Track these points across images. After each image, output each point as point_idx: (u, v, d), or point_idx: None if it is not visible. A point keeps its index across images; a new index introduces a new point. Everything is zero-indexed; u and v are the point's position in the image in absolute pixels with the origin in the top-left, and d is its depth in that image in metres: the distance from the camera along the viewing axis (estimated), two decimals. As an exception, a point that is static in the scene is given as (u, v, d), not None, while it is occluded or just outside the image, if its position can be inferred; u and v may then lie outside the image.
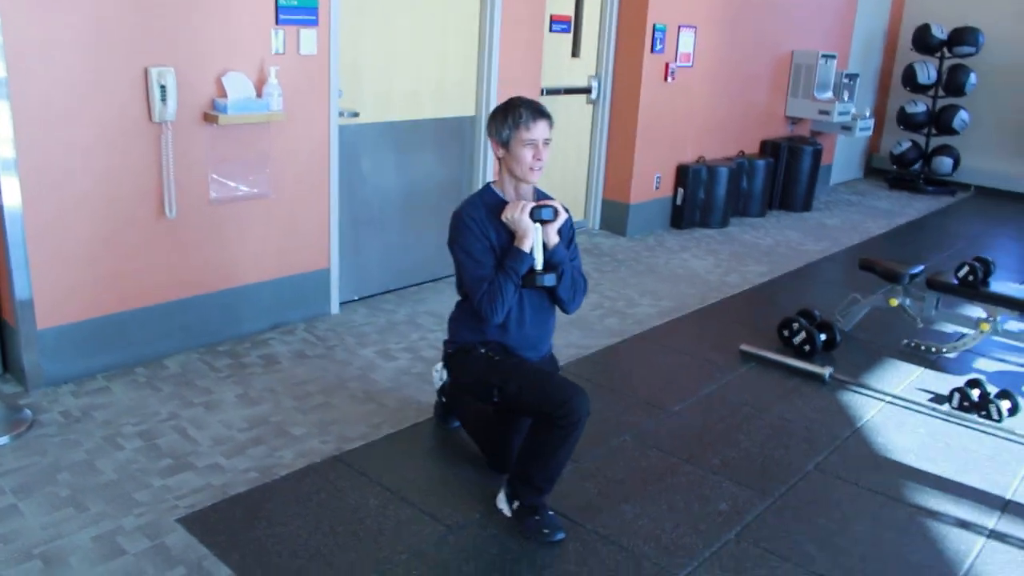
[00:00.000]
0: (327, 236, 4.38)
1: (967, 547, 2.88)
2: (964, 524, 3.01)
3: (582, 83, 6.26)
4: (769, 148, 7.86)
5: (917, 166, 9.21)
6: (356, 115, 4.41)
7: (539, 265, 2.78)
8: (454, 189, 5.10)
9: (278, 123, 3.95)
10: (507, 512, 2.82)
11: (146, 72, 3.47)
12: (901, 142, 9.22)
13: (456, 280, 2.94)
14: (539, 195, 2.88)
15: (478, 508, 2.87)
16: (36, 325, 3.42)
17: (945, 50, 8.78)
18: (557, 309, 2.98)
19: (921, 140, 9.20)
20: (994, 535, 2.96)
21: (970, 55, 8.73)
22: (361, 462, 3.10)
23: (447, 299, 4.82)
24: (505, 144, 2.73)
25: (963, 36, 8.64)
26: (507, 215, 2.74)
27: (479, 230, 2.76)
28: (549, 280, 2.80)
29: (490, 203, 2.82)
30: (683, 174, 6.86)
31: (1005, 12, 8.86)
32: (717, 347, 4.45)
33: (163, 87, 3.48)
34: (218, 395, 3.56)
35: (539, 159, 2.72)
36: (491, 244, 2.78)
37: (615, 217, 6.62)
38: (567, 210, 2.85)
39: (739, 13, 7.02)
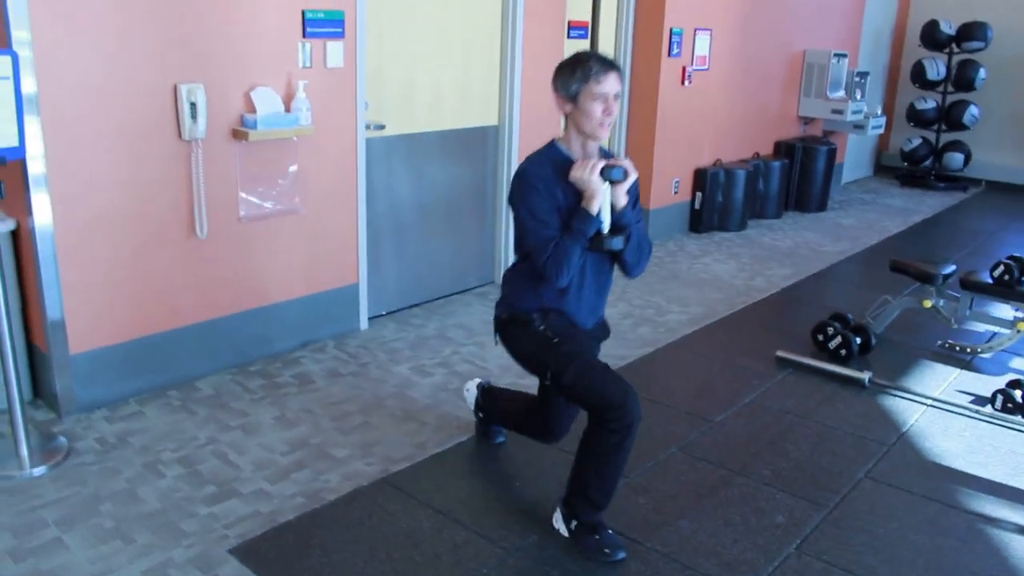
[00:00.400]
0: (355, 251, 4.32)
1: (1030, 555, 2.83)
2: (1022, 530, 2.96)
3: (598, 88, 6.20)
4: (783, 149, 7.82)
5: (928, 162, 9.18)
6: (382, 127, 4.35)
7: (606, 228, 2.62)
8: (478, 200, 5.05)
9: (306, 137, 3.89)
10: (564, 532, 2.76)
11: (175, 89, 3.42)
12: (911, 139, 9.19)
13: (515, 239, 2.75)
14: (604, 153, 2.72)
15: (534, 529, 2.81)
16: (69, 350, 3.36)
17: (954, 46, 8.76)
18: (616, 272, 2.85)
19: (931, 136, 9.16)
20: (1056, 541, 2.91)
21: (979, 50, 8.70)
22: (409, 484, 3.04)
23: (476, 311, 4.78)
24: (573, 99, 2.56)
25: (971, 31, 8.61)
26: (576, 174, 2.55)
27: (545, 189, 2.58)
28: (617, 244, 2.64)
29: (557, 160, 2.63)
30: (701, 178, 6.81)
31: (1012, 5, 8.83)
32: (751, 353, 4.39)
33: (193, 104, 3.42)
34: (254, 417, 3.50)
35: (609, 114, 2.55)
36: (557, 204, 2.60)
37: (633, 222, 6.55)
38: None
39: (752, 14, 6.99)
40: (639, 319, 4.84)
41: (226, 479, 3.04)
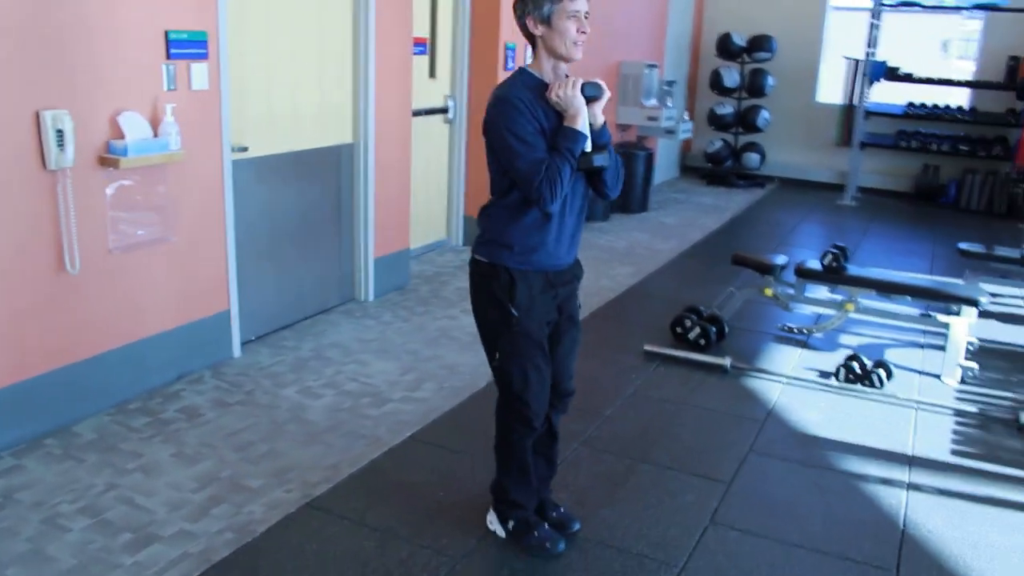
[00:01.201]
0: (225, 277, 4.18)
1: (897, 500, 3.25)
2: (887, 481, 3.40)
3: (439, 103, 6.32)
4: (606, 155, 8.27)
5: (729, 163, 10.02)
6: (245, 150, 4.24)
7: (588, 146, 2.59)
8: (338, 217, 5.01)
9: (175, 163, 3.73)
10: (502, 533, 2.86)
11: (37, 116, 3.18)
12: (713, 141, 10.00)
13: (492, 175, 2.67)
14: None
15: (473, 533, 2.88)
16: (-71, 407, 3.05)
17: (745, 56, 9.63)
18: None
19: (731, 139, 10.02)
20: (912, 487, 3.36)
21: (767, 60, 9.63)
22: (337, 506, 3.02)
23: (346, 330, 4.76)
24: (546, 20, 2.50)
25: (760, 43, 9.52)
26: (557, 93, 2.50)
27: (528, 111, 2.51)
28: (602, 160, 2.60)
29: (531, 85, 2.57)
30: (537, 185, 7.08)
31: (792, 19, 9.84)
32: (622, 349, 4.67)
33: (60, 131, 3.20)
34: (150, 457, 3.32)
35: (583, 32, 2.51)
36: (541, 126, 2.53)
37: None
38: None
39: (574, 29, 7.36)
40: (510, 325, 5.00)
41: (140, 524, 2.88)
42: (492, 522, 2.90)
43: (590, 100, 2.57)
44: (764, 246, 7.12)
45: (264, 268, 4.52)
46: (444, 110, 6.38)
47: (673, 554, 2.84)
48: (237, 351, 4.33)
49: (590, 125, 2.58)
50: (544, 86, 2.57)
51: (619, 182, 2.74)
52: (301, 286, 4.84)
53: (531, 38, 2.59)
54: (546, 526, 2.84)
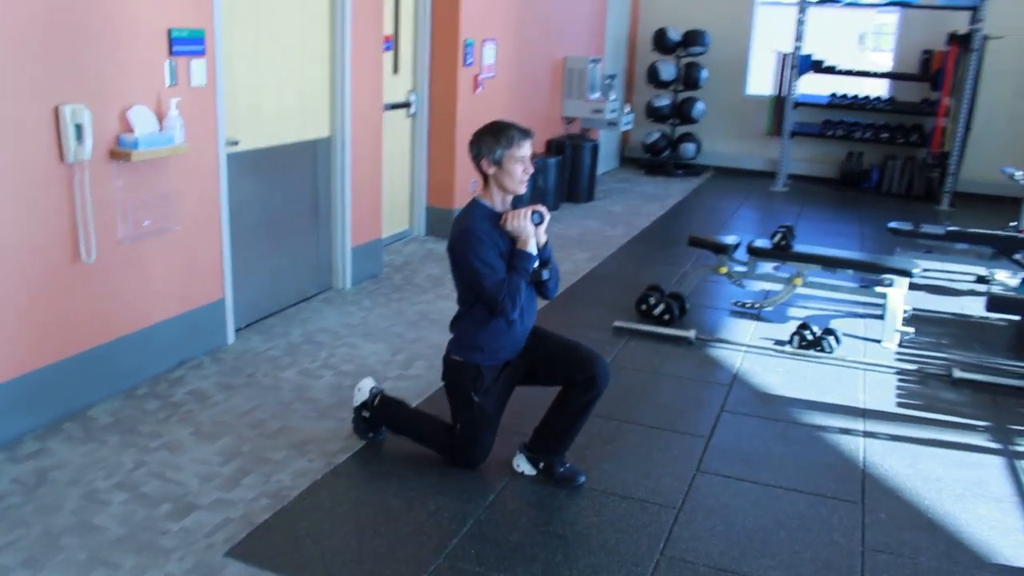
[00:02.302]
0: (220, 266, 4.36)
1: (855, 446, 3.66)
2: (846, 431, 3.81)
3: (402, 98, 6.55)
4: (555, 147, 8.60)
5: (666, 153, 10.47)
6: (236, 143, 4.41)
7: (536, 263, 3.13)
8: (316, 209, 5.21)
9: (178, 156, 3.90)
10: (531, 472, 3.25)
11: (56, 111, 3.33)
12: (651, 133, 10.43)
13: (460, 290, 3.21)
14: (516, 201, 3.21)
15: (491, 488, 3.18)
16: (-44, 394, 3.17)
17: (680, 50, 10.07)
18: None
19: (668, 130, 10.46)
20: (868, 435, 3.78)
21: (701, 54, 10.09)
22: (360, 471, 3.27)
23: (330, 316, 4.97)
24: (498, 162, 3.04)
25: (694, 38, 9.97)
26: (512, 224, 3.06)
27: (489, 240, 3.05)
28: (546, 274, 3.18)
29: (487, 216, 3.11)
30: (493, 176, 7.36)
31: (723, 15, 10.33)
32: (593, 327, 5.00)
33: (78, 126, 3.35)
34: (171, 436, 3.50)
35: (528, 172, 3.07)
36: (500, 251, 3.08)
37: (440, 222, 6.96)
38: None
39: (523, 24, 7.66)
40: (486, 307, 5.28)
41: (178, 496, 3.07)
42: (521, 463, 3.30)
43: (537, 225, 3.12)
44: (709, 230, 7.54)
45: (252, 258, 4.70)
46: (407, 104, 6.61)
47: (670, 498, 3.18)
48: (231, 338, 4.51)
49: (536, 245, 3.12)
50: (497, 216, 3.12)
51: (557, 287, 3.33)
52: (285, 275, 5.03)
53: (484, 175, 3.13)
54: (569, 463, 3.27)
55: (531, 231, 3.08)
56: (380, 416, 3.47)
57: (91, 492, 3.07)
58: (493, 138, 3.04)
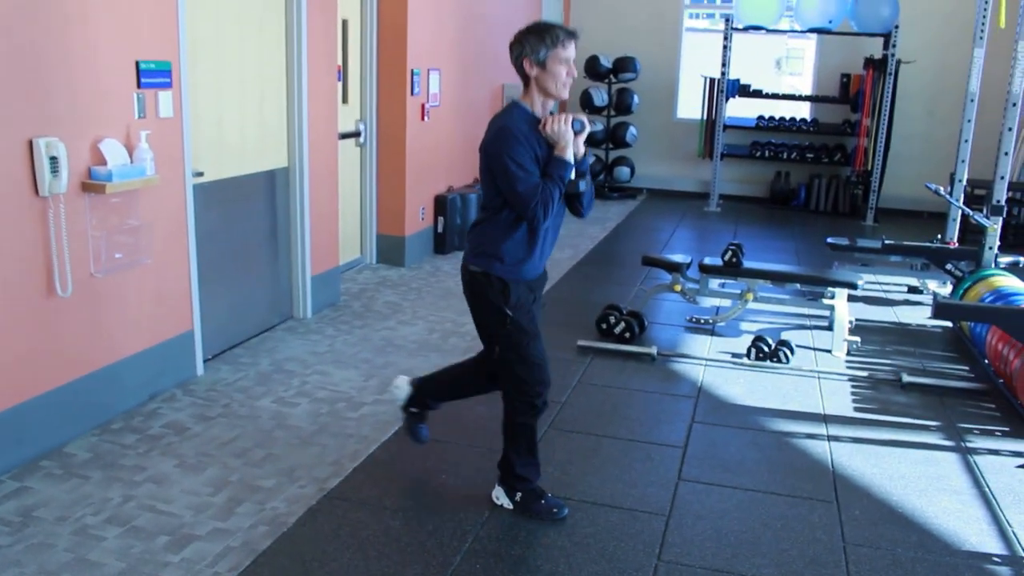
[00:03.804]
0: (189, 297, 4.32)
1: (822, 449, 3.86)
2: (811, 436, 4.00)
3: (351, 128, 6.59)
4: (498, 172, 8.73)
5: (602, 177, 10.73)
6: (201, 174, 4.40)
7: (572, 173, 2.99)
8: (275, 238, 5.21)
9: (150, 188, 3.88)
10: (509, 505, 3.22)
11: (31, 143, 3.29)
12: (588, 155, 10.65)
13: (486, 193, 3.04)
14: (554, 110, 3.12)
15: (485, 504, 3.24)
16: (-67, 435, 3.08)
17: (612, 76, 10.37)
18: None
19: (602, 154, 10.73)
20: (832, 438, 3.98)
21: (632, 80, 10.41)
22: (353, 494, 3.29)
23: (296, 345, 4.97)
24: (541, 63, 2.88)
25: (625, 64, 10.28)
26: (551, 127, 2.90)
27: (526, 142, 2.89)
28: (583, 186, 3.04)
29: (526, 119, 2.95)
30: (441, 204, 7.46)
31: (652, 43, 10.69)
32: (557, 346, 5.09)
33: (54, 158, 3.32)
34: (155, 469, 3.46)
35: (572, 75, 2.93)
36: (536, 155, 2.92)
37: (392, 249, 7.02)
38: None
39: (464, 53, 7.81)
40: (446, 332, 5.35)
41: (173, 527, 3.04)
42: (499, 496, 3.25)
43: (577, 133, 3.01)
44: (651, 250, 7.76)
45: (218, 288, 4.67)
46: (356, 134, 6.65)
47: (657, 506, 3.29)
48: (200, 369, 4.46)
49: (574, 155, 3.02)
50: (536, 120, 2.99)
51: (592, 203, 3.23)
52: (248, 305, 5.01)
53: (525, 77, 2.99)
54: (550, 495, 3.23)
55: (570, 137, 2.94)
56: (426, 398, 3.44)
57: (82, 528, 3.02)
58: (537, 37, 2.90)
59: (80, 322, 3.64)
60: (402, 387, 3.49)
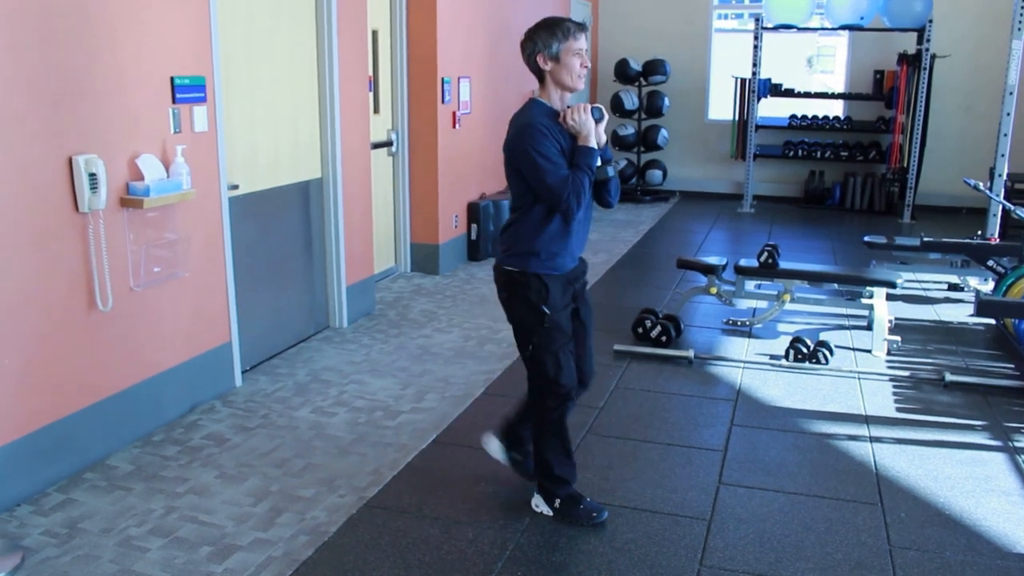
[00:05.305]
0: (227, 309, 4.37)
1: (865, 451, 3.79)
2: (853, 437, 3.93)
3: (383, 137, 6.63)
4: (529, 178, 8.73)
5: (634, 180, 10.68)
6: (236, 187, 4.45)
7: (598, 161, 3.01)
8: (311, 249, 5.25)
9: (186, 202, 3.93)
10: (549, 512, 3.21)
11: (70, 161, 3.35)
12: (618, 161, 10.64)
13: (515, 193, 3.05)
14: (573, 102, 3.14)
15: (524, 511, 3.23)
16: (-20, 450, 3.14)
17: (642, 79, 10.34)
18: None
19: (634, 157, 10.69)
20: (874, 439, 3.91)
21: (662, 83, 10.36)
22: (393, 503, 3.29)
23: (333, 355, 4.99)
24: (555, 57, 2.92)
25: (654, 67, 10.25)
26: (572, 118, 2.94)
27: (551, 135, 2.92)
28: (611, 171, 3.06)
29: (547, 112, 2.99)
30: (474, 211, 7.48)
31: (682, 45, 10.65)
32: (595, 350, 5.07)
33: (93, 175, 3.37)
34: (196, 481, 3.49)
35: (585, 66, 2.96)
36: (561, 147, 2.95)
37: (426, 258, 7.05)
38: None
39: (494, 60, 7.82)
40: (481, 339, 5.34)
41: (215, 538, 3.07)
42: (538, 504, 3.24)
43: (597, 122, 3.02)
44: (685, 252, 7.72)
45: (254, 300, 4.72)
46: (388, 143, 6.69)
47: (699, 510, 3.26)
48: (239, 380, 4.51)
49: (596, 143, 3.03)
50: (556, 113, 3.02)
51: (618, 192, 3.23)
52: (284, 316, 5.05)
53: (540, 73, 3.02)
54: (589, 499, 3.21)
55: (591, 126, 2.96)
56: (520, 438, 3.39)
57: (126, 539, 3.05)
58: (549, 32, 2.93)
59: (120, 336, 3.70)
60: (491, 446, 3.42)
